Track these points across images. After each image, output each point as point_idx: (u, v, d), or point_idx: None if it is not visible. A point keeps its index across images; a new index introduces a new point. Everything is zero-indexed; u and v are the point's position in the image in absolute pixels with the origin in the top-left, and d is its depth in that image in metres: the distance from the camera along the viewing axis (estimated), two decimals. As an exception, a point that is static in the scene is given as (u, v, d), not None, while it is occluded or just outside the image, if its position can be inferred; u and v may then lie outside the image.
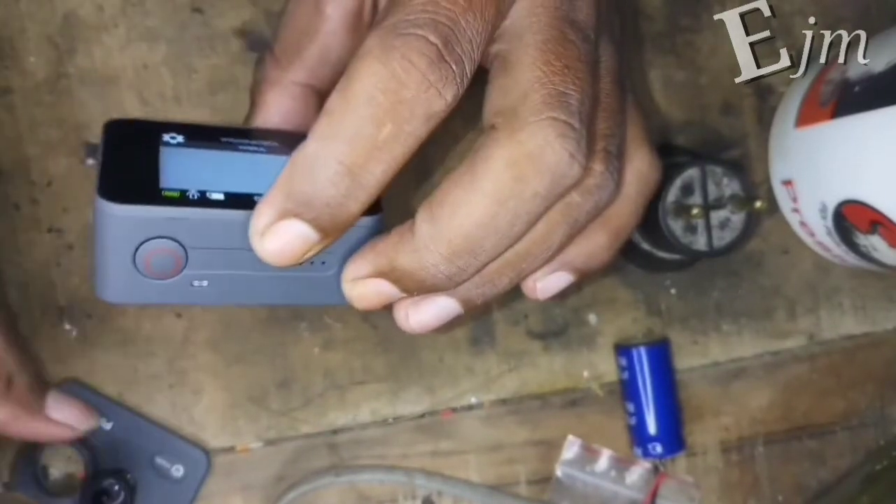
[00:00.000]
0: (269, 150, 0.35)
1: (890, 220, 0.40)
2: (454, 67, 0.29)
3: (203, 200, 0.31)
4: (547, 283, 0.35)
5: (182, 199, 0.31)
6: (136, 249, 0.31)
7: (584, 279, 0.36)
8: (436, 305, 0.34)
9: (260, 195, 0.30)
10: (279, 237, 0.29)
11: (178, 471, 0.46)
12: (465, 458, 0.48)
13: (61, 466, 0.46)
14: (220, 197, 0.32)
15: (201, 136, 0.35)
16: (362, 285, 0.32)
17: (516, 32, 0.31)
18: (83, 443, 0.45)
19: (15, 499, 0.45)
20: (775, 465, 0.49)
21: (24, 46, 0.45)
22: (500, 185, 0.30)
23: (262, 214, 0.29)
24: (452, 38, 0.29)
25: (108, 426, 0.45)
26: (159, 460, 0.45)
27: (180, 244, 0.32)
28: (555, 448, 0.48)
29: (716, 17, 0.45)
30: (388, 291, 0.32)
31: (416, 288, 0.32)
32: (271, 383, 0.47)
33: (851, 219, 0.42)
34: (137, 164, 0.32)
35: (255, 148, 0.35)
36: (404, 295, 0.33)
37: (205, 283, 0.33)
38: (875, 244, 0.42)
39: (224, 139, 0.35)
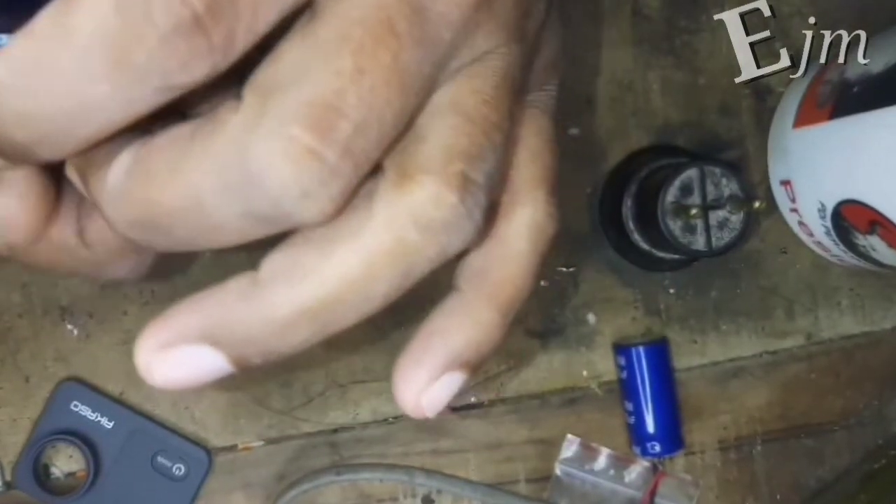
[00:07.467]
0: None
1: (889, 221, 0.40)
2: (215, 40, 0.21)
3: None
4: (435, 394, 0.26)
5: None
6: None
7: (478, 371, 0.27)
8: (191, 356, 0.25)
9: None
10: None
11: (179, 469, 0.46)
12: (464, 456, 0.48)
13: (62, 466, 0.46)
14: None
15: None
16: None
17: None
18: (84, 441, 0.45)
19: (15, 498, 0.45)
20: (773, 464, 0.49)
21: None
22: (208, 167, 0.22)
23: None
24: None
25: (109, 425, 0.45)
26: (161, 459, 0.46)
27: None
28: (554, 447, 0.48)
29: (716, 17, 0.45)
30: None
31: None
32: (273, 382, 0.47)
33: (850, 219, 0.42)
34: None
35: None
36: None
37: None
38: (874, 244, 0.42)
39: None
